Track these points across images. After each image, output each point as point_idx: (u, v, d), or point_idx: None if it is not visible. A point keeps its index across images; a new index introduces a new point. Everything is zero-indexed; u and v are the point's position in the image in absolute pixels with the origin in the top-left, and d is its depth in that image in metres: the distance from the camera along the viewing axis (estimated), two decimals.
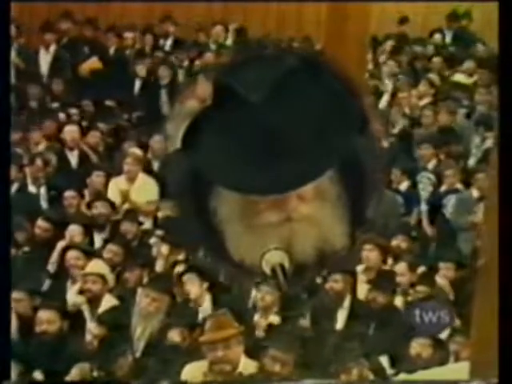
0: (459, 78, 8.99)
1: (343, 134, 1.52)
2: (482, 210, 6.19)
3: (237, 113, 1.51)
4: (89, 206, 7.12)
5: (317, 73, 1.56)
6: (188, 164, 1.57)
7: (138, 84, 9.33)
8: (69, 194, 7.15)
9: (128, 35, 9.93)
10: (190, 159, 1.55)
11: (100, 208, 6.96)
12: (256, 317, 5.43)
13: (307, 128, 1.51)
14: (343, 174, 1.58)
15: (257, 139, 1.49)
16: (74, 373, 4.88)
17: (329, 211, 1.59)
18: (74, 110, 8.74)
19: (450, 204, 6.94)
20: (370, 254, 5.91)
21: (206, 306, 5.59)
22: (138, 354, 5.29)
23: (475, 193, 6.88)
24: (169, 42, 10.21)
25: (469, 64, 9.16)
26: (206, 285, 5.59)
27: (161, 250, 6.22)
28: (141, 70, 9.35)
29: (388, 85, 8.97)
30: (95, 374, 4.92)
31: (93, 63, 9.47)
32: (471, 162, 7.52)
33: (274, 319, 5.45)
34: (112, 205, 7.11)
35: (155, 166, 7.88)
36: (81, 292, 5.78)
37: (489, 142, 7.08)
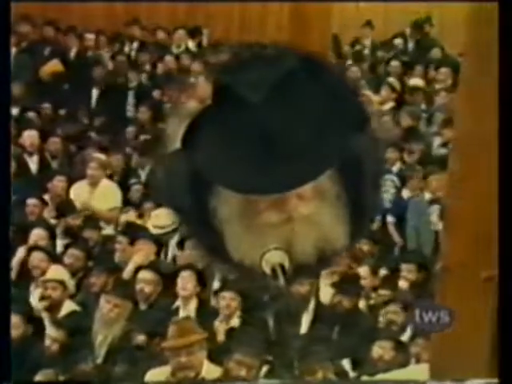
0: (416, 82, 9.08)
1: (343, 133, 1.53)
2: (438, 213, 6.26)
3: (236, 113, 1.51)
4: (56, 212, 7.04)
5: (316, 72, 1.56)
6: (188, 164, 1.57)
7: (99, 88, 9.26)
8: (31, 201, 7.07)
9: (89, 37, 9.85)
10: (190, 159, 1.55)
11: (63, 214, 6.90)
12: (216, 322, 5.43)
13: (307, 128, 1.51)
14: (343, 174, 1.58)
15: (256, 139, 1.49)
16: (38, 379, 4.82)
17: (328, 211, 1.59)
18: (33, 114, 8.64)
19: (409, 208, 7.01)
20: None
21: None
22: (99, 360, 5.25)
23: (428, 196, 6.96)
24: (134, 46, 10.17)
25: (428, 69, 9.27)
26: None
27: (132, 257, 6.18)
28: (103, 72, 9.30)
29: None
30: (61, 378, 4.87)
31: (54, 66, 9.38)
32: (430, 165, 7.60)
33: (235, 324, 5.45)
34: (74, 210, 7.05)
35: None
36: (42, 298, 5.72)
37: (446, 148, 7.16)
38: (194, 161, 1.54)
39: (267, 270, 1.57)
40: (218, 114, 1.53)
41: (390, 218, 7.08)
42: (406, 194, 7.18)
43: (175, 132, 1.60)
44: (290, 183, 1.50)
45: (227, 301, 5.41)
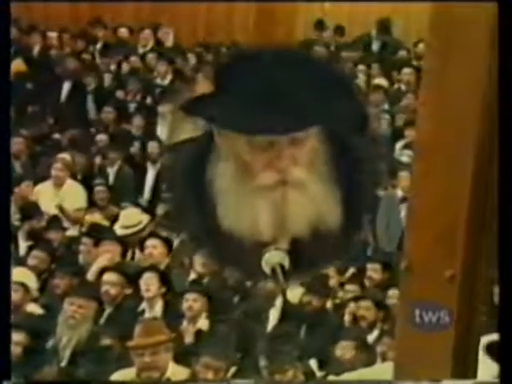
0: (380, 81, 9.15)
1: (340, 99, 1.62)
2: (404, 211, 6.29)
3: (249, 71, 1.63)
4: (20, 214, 6.96)
5: (329, 69, 1.70)
6: (194, 150, 1.65)
7: (65, 88, 9.20)
8: None
9: (52, 35, 9.77)
10: (199, 138, 1.63)
11: (27, 217, 6.83)
12: (184, 323, 5.43)
13: (308, 90, 1.61)
14: (341, 165, 1.64)
15: (261, 92, 1.60)
16: None
17: (322, 187, 1.63)
18: None
19: (381, 204, 7.03)
20: None
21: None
22: (64, 363, 5.21)
23: (400, 193, 6.99)
24: (99, 45, 10.11)
25: (392, 69, 9.34)
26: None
27: (97, 259, 6.13)
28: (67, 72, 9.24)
29: None
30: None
31: (16, 65, 9.28)
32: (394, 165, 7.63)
33: (204, 325, 5.45)
34: (39, 212, 6.99)
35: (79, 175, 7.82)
36: None
37: (408, 151, 7.21)
38: (192, 115, 1.62)
39: (267, 270, 1.59)
40: (232, 74, 1.64)
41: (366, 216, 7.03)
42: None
43: (176, 128, 1.68)
44: (285, 127, 1.58)
45: (190, 302, 5.41)
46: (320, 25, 10.16)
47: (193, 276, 6.10)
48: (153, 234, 6.41)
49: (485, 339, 2.53)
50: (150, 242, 6.26)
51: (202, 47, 9.93)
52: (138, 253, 6.55)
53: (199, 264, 5.97)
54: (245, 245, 1.62)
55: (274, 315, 5.65)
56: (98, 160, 8.14)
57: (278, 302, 5.64)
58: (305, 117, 1.59)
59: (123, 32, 10.20)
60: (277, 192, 1.60)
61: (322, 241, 1.65)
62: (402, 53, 9.89)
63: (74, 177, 7.68)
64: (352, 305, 5.56)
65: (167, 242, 6.25)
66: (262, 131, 1.59)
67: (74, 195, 7.43)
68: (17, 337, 5.24)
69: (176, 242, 6.29)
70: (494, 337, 3.72)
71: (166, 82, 9.31)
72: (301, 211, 1.61)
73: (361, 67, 9.45)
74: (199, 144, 1.67)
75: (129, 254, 6.53)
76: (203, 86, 1.66)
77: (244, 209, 1.61)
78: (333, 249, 1.71)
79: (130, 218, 6.75)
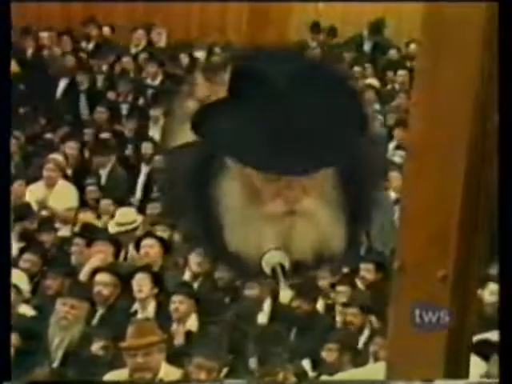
0: (370, 81, 9.15)
1: (349, 135, 1.58)
2: (398, 212, 6.29)
3: (258, 98, 1.54)
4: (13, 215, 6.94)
5: (331, 71, 1.64)
6: (196, 153, 1.59)
7: (61, 86, 9.18)
8: None
9: (44, 35, 9.75)
10: (201, 146, 1.57)
11: (19, 218, 6.80)
12: (174, 325, 5.43)
13: (321, 121, 1.56)
14: (344, 175, 1.62)
15: (275, 124, 1.53)
16: None
17: (328, 212, 1.61)
18: None
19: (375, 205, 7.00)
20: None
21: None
22: (56, 364, 5.20)
23: (393, 194, 7.00)
24: (90, 46, 10.09)
25: (385, 70, 9.36)
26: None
27: (89, 259, 6.12)
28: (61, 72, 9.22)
29: None
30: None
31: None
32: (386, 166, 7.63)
33: (193, 326, 5.45)
34: (31, 213, 6.96)
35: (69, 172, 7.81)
36: None
37: (401, 152, 7.22)
38: (208, 145, 1.56)
39: (267, 270, 1.59)
40: (236, 99, 1.56)
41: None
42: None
43: (176, 129, 1.65)
44: (302, 170, 1.53)
45: (176, 304, 5.42)
46: (316, 27, 10.15)
47: (187, 276, 6.09)
48: (149, 234, 6.41)
49: (474, 338, 2.54)
50: (147, 242, 6.26)
51: (196, 47, 9.92)
52: (130, 253, 6.53)
53: (194, 263, 5.97)
54: (250, 264, 1.61)
55: (264, 316, 5.65)
56: (90, 160, 8.13)
57: (268, 303, 5.65)
58: (320, 158, 1.54)
59: (116, 32, 10.19)
60: (284, 222, 1.59)
61: (324, 263, 1.66)
62: (394, 53, 9.90)
63: (65, 177, 7.67)
64: (341, 308, 5.57)
65: (163, 242, 6.25)
66: (279, 172, 1.54)
67: (65, 195, 7.42)
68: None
69: (172, 242, 6.29)
70: (484, 336, 3.73)
71: (158, 83, 9.29)
72: (307, 239, 1.60)
73: (355, 68, 9.44)
74: (197, 148, 1.62)
75: (121, 255, 6.52)
76: (202, 89, 1.64)
77: (251, 235, 1.59)
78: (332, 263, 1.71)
79: (125, 216, 6.76)
